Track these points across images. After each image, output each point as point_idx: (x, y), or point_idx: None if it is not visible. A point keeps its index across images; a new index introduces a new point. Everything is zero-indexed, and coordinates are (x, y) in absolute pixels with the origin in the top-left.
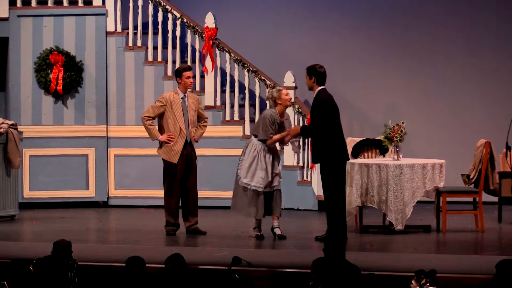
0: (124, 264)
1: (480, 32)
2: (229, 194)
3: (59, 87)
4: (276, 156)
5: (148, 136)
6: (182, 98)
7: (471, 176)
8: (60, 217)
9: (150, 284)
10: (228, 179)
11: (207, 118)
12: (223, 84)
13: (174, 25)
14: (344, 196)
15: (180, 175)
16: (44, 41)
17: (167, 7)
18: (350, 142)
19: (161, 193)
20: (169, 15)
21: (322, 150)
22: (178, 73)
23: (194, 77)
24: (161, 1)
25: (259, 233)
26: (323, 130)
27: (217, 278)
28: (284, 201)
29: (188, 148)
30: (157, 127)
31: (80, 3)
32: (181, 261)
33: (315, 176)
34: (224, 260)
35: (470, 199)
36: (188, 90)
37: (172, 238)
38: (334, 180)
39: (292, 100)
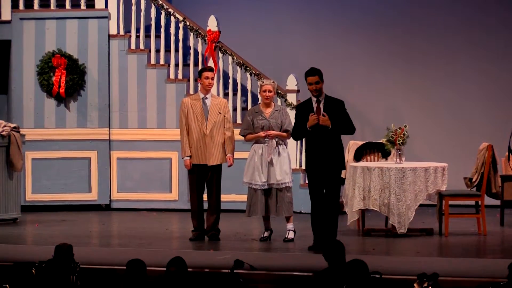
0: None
1: (482, 36)
2: (231, 197)
3: (62, 90)
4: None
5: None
6: (202, 99)
7: (474, 180)
8: (62, 220)
9: (151, 287)
10: (230, 182)
11: (229, 127)
12: (225, 87)
13: (177, 28)
14: None
15: None
16: (47, 44)
17: (170, 10)
18: (353, 145)
19: (163, 196)
20: (172, 18)
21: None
22: (198, 74)
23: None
24: (164, 4)
25: (263, 235)
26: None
27: (219, 281)
28: None
29: None
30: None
31: (83, 6)
32: (182, 264)
33: None
34: (227, 264)
35: (472, 202)
36: (213, 93)
37: (173, 241)
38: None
39: (294, 103)
